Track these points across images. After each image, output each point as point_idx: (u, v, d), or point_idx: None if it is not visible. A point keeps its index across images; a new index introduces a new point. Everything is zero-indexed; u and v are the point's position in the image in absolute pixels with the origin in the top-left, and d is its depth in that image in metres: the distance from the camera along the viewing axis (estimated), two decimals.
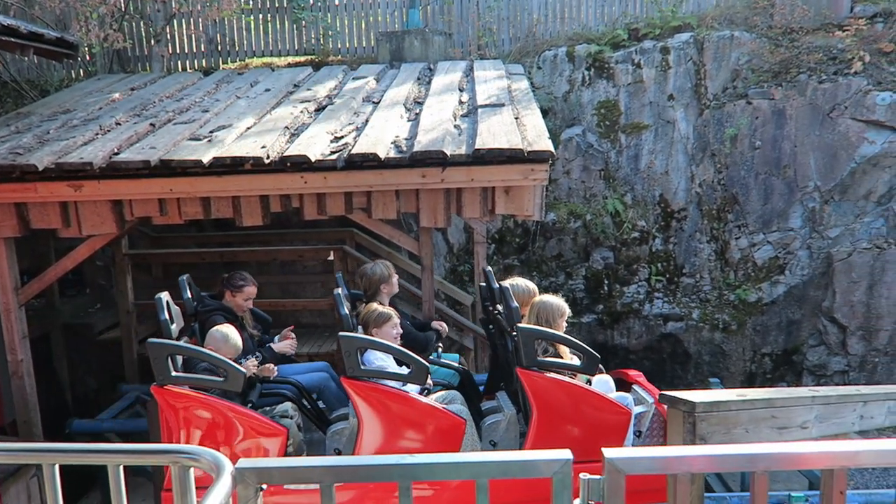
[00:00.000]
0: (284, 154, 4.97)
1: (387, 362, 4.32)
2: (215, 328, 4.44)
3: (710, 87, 8.77)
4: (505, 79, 7.27)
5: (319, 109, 6.34)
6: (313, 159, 4.90)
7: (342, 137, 5.41)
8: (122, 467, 1.99)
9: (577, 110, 9.01)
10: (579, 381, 4.30)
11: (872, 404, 2.93)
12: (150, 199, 5.17)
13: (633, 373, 5.12)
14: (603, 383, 4.41)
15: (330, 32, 10.16)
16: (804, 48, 8.60)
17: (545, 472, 1.49)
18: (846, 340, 8.36)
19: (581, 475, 1.56)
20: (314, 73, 8.31)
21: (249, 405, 4.22)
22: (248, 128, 5.71)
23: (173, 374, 3.99)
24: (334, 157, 4.99)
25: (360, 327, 4.59)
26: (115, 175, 4.99)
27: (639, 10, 9.76)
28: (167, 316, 4.49)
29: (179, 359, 4.15)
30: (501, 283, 4.83)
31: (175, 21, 10.02)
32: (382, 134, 5.36)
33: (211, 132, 5.52)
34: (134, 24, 9.91)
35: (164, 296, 4.59)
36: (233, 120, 5.88)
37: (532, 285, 5.04)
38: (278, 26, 10.37)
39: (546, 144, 4.99)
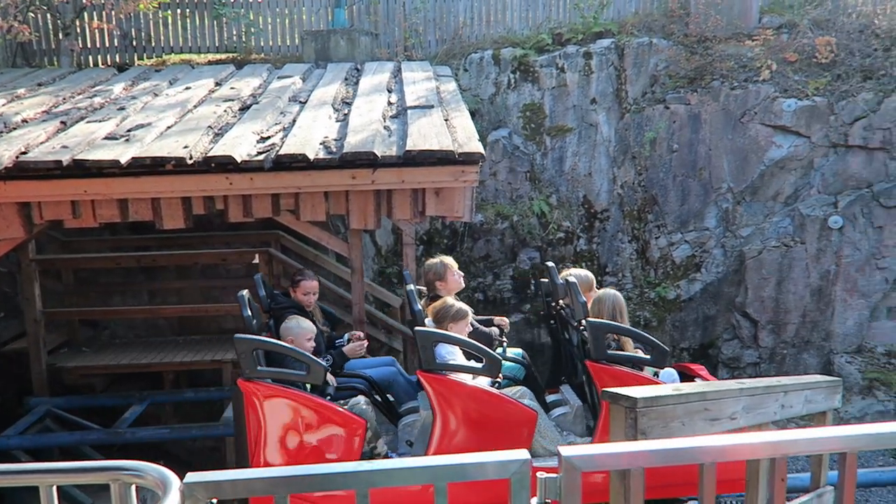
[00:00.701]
0: (208, 154, 4.79)
1: (455, 356, 4.39)
2: (285, 322, 4.59)
3: (631, 92, 9.07)
4: (433, 80, 7.27)
5: (244, 109, 6.16)
6: (239, 160, 4.75)
7: (269, 138, 5.27)
8: (55, 489, 1.82)
9: (504, 113, 9.12)
10: (647, 373, 4.38)
11: (792, 394, 3.08)
12: (62, 201, 4.87)
13: (695, 366, 5.28)
14: (669, 375, 4.55)
15: (252, 30, 9.90)
16: (717, 56, 9.01)
17: (504, 473, 1.48)
18: (757, 334, 8.81)
19: (538, 474, 1.56)
20: (237, 71, 8.07)
21: (328, 398, 4.30)
22: (169, 127, 5.48)
23: (259, 368, 4.05)
24: (261, 157, 4.85)
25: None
26: (22, 176, 4.68)
27: (562, 16, 9.99)
28: (249, 312, 4.61)
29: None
30: (566, 277, 4.89)
31: (86, 13, 9.52)
32: (311, 134, 5.26)
33: (128, 131, 5.26)
34: (40, 15, 9.35)
35: (245, 293, 4.78)
36: (151, 118, 5.62)
37: (589, 274, 5.25)
38: (197, 22, 10.02)
39: (476, 146, 5.02)
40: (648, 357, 4.40)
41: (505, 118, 9.15)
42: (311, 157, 4.82)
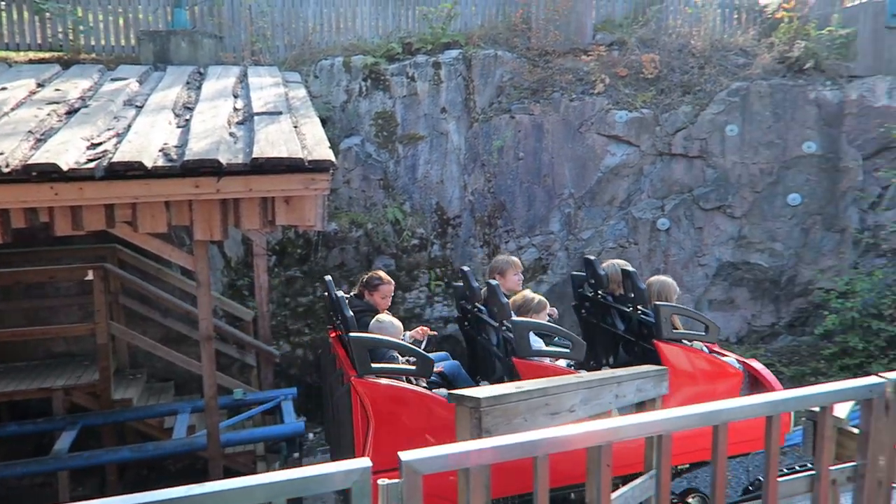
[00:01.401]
0: (28, 162, 4.36)
1: (541, 344, 4.79)
2: (380, 318, 4.81)
3: (479, 102, 9.38)
4: (282, 86, 7.10)
5: (71, 112, 5.67)
6: (65, 168, 4.36)
7: (100, 144, 4.89)
8: None
9: (356, 120, 9.10)
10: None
11: (625, 384, 3.33)
12: None
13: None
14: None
15: (81, 27, 9.14)
16: (557, 69, 9.56)
17: (345, 483, 1.47)
18: None
19: (379, 481, 1.57)
20: (63, 71, 7.42)
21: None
22: None
23: (373, 365, 4.25)
24: (91, 165, 4.49)
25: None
26: None
27: (411, 26, 10.13)
28: (351, 312, 4.74)
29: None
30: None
31: None
32: (148, 141, 4.94)
33: None
34: None
35: (341, 293, 5.00)
36: None
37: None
38: (15, 17, 9.10)
39: (326, 153, 4.96)
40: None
41: (357, 126, 9.13)
42: (149, 164, 4.53)
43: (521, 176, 9.33)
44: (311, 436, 7.78)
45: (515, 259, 5.89)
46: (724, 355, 5.37)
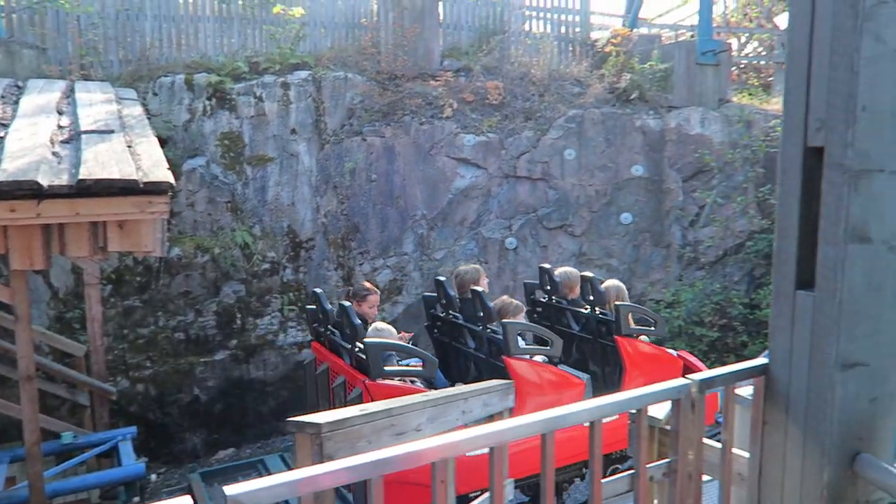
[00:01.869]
0: None
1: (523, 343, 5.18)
2: (378, 326, 5.10)
3: (330, 124, 9.33)
4: (114, 103, 6.65)
5: None
6: None
7: None
8: None
9: (200, 140, 8.72)
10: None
11: (472, 400, 3.42)
12: None
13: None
14: None
15: None
16: (407, 93, 9.74)
17: None
18: None
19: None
20: None
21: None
22: None
23: (386, 368, 4.45)
24: None
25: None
26: None
27: (258, 45, 9.92)
28: (359, 321, 4.91)
29: None
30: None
31: None
32: None
33: None
34: None
35: (348, 303, 5.10)
36: None
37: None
38: None
39: (164, 175, 4.70)
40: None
41: (202, 146, 8.74)
42: None
43: (375, 198, 9.37)
44: (153, 477, 7.24)
45: (476, 266, 6.29)
46: (665, 350, 6.10)
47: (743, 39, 14.74)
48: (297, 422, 2.09)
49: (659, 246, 10.49)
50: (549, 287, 6.60)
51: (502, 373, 4.89)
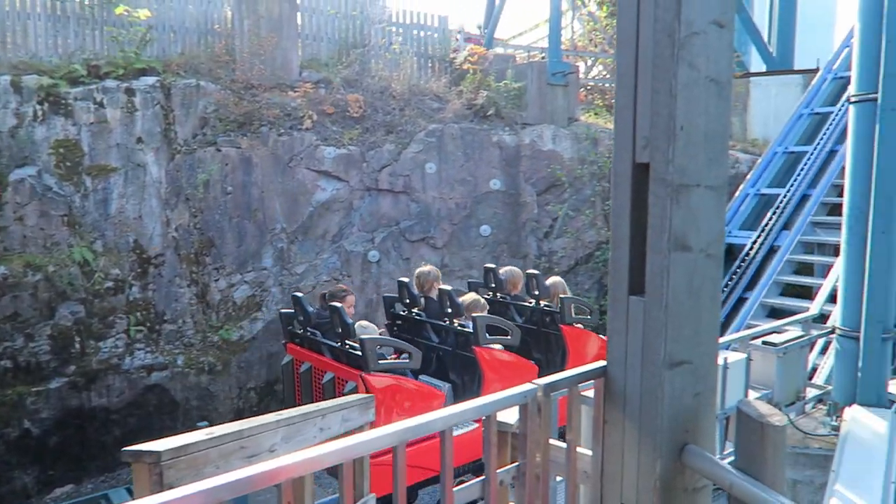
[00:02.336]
0: None
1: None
2: (363, 324, 5.53)
3: (181, 133, 8.86)
4: None
5: None
6: None
7: None
8: None
9: (30, 148, 7.96)
10: None
11: (330, 416, 3.35)
12: None
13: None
14: None
15: None
16: (264, 103, 9.47)
17: None
18: None
19: None
20: None
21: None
22: None
23: (380, 362, 4.92)
24: None
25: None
26: None
27: (98, 47, 9.25)
28: (350, 320, 5.25)
29: None
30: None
31: None
32: None
33: None
34: None
35: (339, 304, 5.35)
36: None
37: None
38: None
39: None
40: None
41: (32, 155, 7.99)
42: None
43: (231, 211, 9.00)
44: None
45: (437, 271, 6.76)
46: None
47: (589, 63, 15.75)
48: (134, 450, 1.94)
49: (516, 257, 10.90)
50: (493, 285, 7.24)
51: (471, 361, 5.73)
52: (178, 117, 8.86)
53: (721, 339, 5.66)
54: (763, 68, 13.82)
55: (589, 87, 14.53)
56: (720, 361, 4.84)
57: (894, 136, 5.17)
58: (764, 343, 5.73)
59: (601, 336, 6.75)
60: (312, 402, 5.05)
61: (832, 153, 10.20)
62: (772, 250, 9.75)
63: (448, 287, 6.13)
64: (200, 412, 8.68)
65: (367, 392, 4.76)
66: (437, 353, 6.32)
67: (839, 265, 6.16)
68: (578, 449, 2.40)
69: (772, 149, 11.01)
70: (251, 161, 9.10)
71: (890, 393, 5.47)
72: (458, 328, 5.89)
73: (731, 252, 10.19)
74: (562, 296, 6.60)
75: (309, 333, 5.78)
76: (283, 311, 6.41)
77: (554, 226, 11.02)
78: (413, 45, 11.71)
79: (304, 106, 9.67)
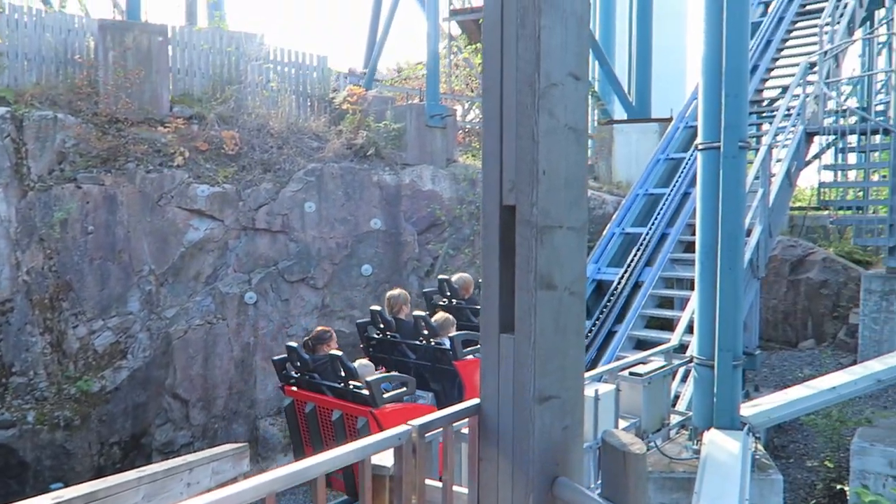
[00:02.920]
0: None
1: None
2: (362, 362, 5.99)
3: (35, 168, 8.24)
4: None
5: None
6: None
7: None
8: None
9: None
10: None
11: (198, 470, 3.17)
12: None
13: None
14: None
15: None
16: (131, 139, 9.02)
17: None
18: (189, 413, 8.90)
19: None
20: None
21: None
22: None
23: (385, 396, 5.39)
24: None
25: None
26: None
27: None
28: (354, 365, 5.69)
29: None
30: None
31: None
32: None
33: None
34: None
35: (339, 352, 5.79)
36: None
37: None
38: None
39: None
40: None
41: None
42: None
43: (92, 252, 8.42)
44: None
45: (406, 293, 6.98)
46: None
47: (466, 106, 16.30)
48: None
49: None
50: (448, 293, 7.64)
51: (451, 373, 6.15)
52: (32, 151, 8.25)
53: (592, 372, 5.93)
54: (625, 116, 14.88)
55: (467, 130, 15.01)
56: (591, 393, 5.05)
57: (734, 182, 5.71)
58: (631, 374, 6.04)
59: None
60: (320, 440, 5.89)
61: (686, 195, 11.08)
62: (637, 285, 10.37)
63: (420, 312, 6.56)
64: (54, 473, 7.93)
65: (379, 425, 5.15)
66: (415, 368, 6.66)
67: (694, 299, 6.65)
68: (455, 488, 2.41)
69: (634, 191, 11.79)
70: (116, 199, 8.60)
71: (741, 416, 5.92)
72: (436, 346, 6.34)
73: (601, 288, 10.74)
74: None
75: (307, 377, 6.17)
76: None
77: (435, 264, 11.16)
78: (292, 83, 11.62)
79: (175, 142, 9.31)
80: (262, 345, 9.46)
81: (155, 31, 9.84)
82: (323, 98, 11.92)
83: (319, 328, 6.92)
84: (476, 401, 2.37)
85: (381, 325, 7.04)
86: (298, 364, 6.20)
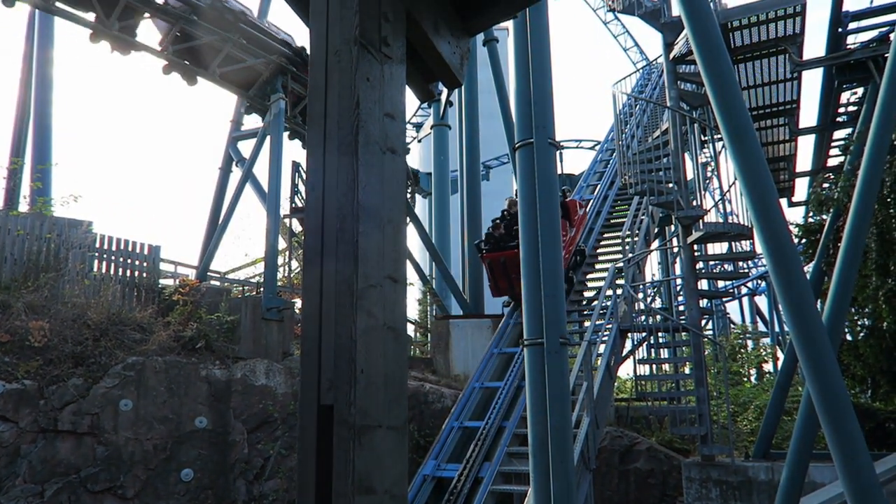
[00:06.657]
0: None
1: None
2: None
3: None
4: None
5: None
6: None
7: None
8: None
9: None
10: None
11: None
12: None
13: None
14: None
15: None
16: None
17: None
18: None
19: None
20: None
21: None
22: None
23: None
24: None
25: None
26: None
27: None
28: None
29: None
30: None
31: None
32: None
33: None
34: None
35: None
36: None
37: None
38: None
39: None
40: None
41: None
42: None
43: None
44: None
45: None
46: None
47: None
48: None
49: (223, 503, 9.87)
50: None
51: None
52: None
53: None
54: (461, 312, 15.57)
55: None
56: None
57: (558, 374, 6.04)
58: None
59: None
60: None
61: (520, 388, 11.46)
62: (477, 481, 10.20)
63: None
64: None
65: None
66: None
67: (530, 495, 6.62)
68: None
69: (471, 384, 12.02)
70: None
71: None
72: None
73: (442, 486, 10.42)
74: None
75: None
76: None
77: (266, 466, 10.35)
78: (119, 272, 11.08)
79: None
80: None
81: None
82: (151, 288, 11.42)
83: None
84: None
85: None
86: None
